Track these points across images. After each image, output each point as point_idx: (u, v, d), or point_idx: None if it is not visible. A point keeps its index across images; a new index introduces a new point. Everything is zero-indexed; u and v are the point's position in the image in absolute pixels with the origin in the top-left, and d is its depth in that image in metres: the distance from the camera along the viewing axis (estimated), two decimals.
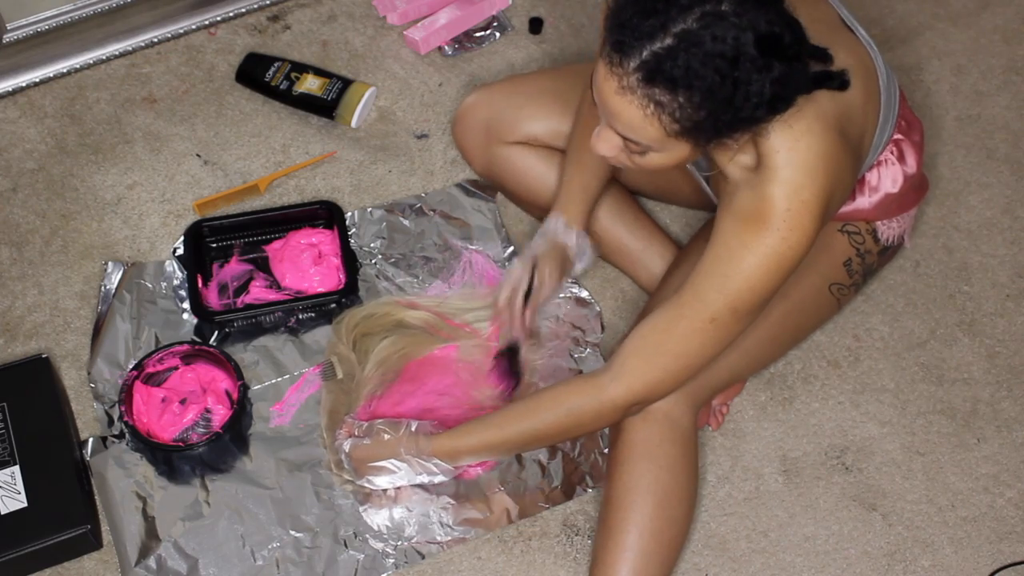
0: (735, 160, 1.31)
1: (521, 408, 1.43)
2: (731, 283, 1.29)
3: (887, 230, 1.54)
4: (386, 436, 1.46)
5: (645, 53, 1.14)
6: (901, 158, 1.48)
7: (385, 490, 1.52)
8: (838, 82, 1.22)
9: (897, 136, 1.47)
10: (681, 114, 1.16)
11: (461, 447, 1.45)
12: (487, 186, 1.83)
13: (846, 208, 1.50)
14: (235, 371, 1.58)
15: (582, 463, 1.57)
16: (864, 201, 1.49)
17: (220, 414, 1.58)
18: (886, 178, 1.48)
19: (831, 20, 1.38)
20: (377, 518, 1.51)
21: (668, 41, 1.13)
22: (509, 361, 1.59)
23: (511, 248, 1.77)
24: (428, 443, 1.45)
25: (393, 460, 1.46)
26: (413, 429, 1.46)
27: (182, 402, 1.59)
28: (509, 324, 1.59)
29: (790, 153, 1.25)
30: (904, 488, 1.58)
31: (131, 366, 1.60)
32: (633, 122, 1.19)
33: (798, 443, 1.62)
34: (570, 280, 1.68)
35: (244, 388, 1.58)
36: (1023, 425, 1.64)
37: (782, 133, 1.25)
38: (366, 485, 1.51)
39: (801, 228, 1.26)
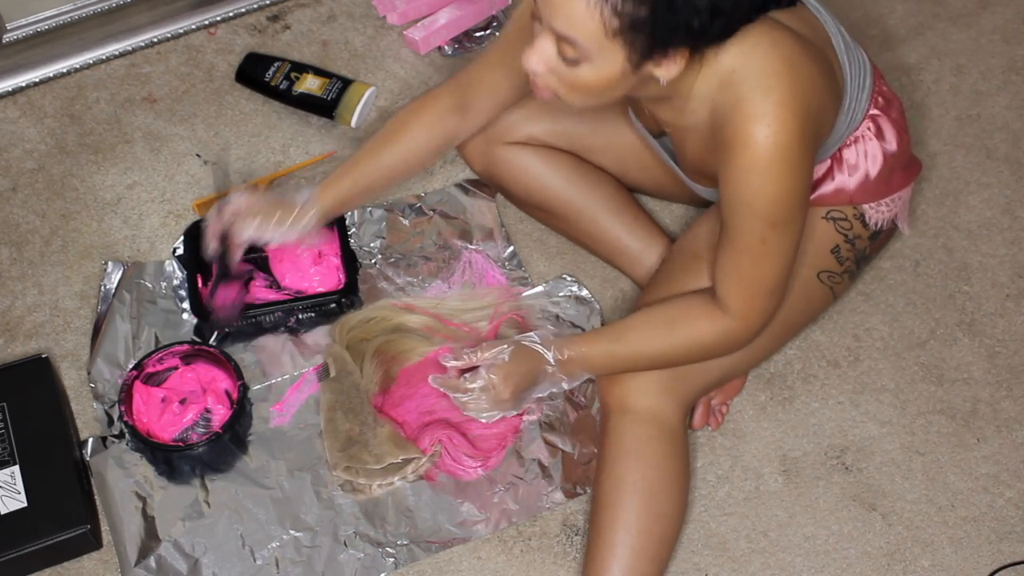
0: (688, 110, 1.34)
1: (650, 326, 1.44)
2: (756, 207, 1.31)
3: (876, 214, 1.54)
4: (534, 352, 1.47)
5: None
6: (879, 134, 1.49)
7: (380, 484, 1.53)
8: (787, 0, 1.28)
9: (874, 112, 1.48)
10: (623, 7, 1.18)
11: (594, 362, 1.46)
12: (487, 186, 1.83)
13: (827, 189, 1.49)
14: (235, 371, 1.58)
15: (582, 463, 1.57)
16: (845, 179, 1.49)
17: (220, 414, 1.58)
18: (864, 155, 1.49)
19: None
20: (376, 516, 1.52)
21: None
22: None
23: (511, 248, 1.77)
24: (574, 360, 1.46)
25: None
26: (552, 343, 1.48)
27: (182, 402, 1.59)
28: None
29: (746, 67, 1.27)
30: (904, 488, 1.58)
31: (131, 366, 1.60)
32: (575, 14, 1.19)
33: (798, 443, 1.62)
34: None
35: (244, 388, 1.58)
36: (1023, 425, 1.64)
37: (733, 52, 1.27)
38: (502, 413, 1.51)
39: (785, 126, 1.27)
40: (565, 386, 1.50)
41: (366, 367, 1.59)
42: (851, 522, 1.55)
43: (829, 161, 1.48)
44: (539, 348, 1.47)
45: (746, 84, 1.27)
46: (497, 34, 2.04)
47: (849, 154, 1.48)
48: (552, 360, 1.46)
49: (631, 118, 1.57)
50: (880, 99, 1.49)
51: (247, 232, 1.54)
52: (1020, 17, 2.10)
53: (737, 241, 1.35)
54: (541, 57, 1.27)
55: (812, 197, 1.49)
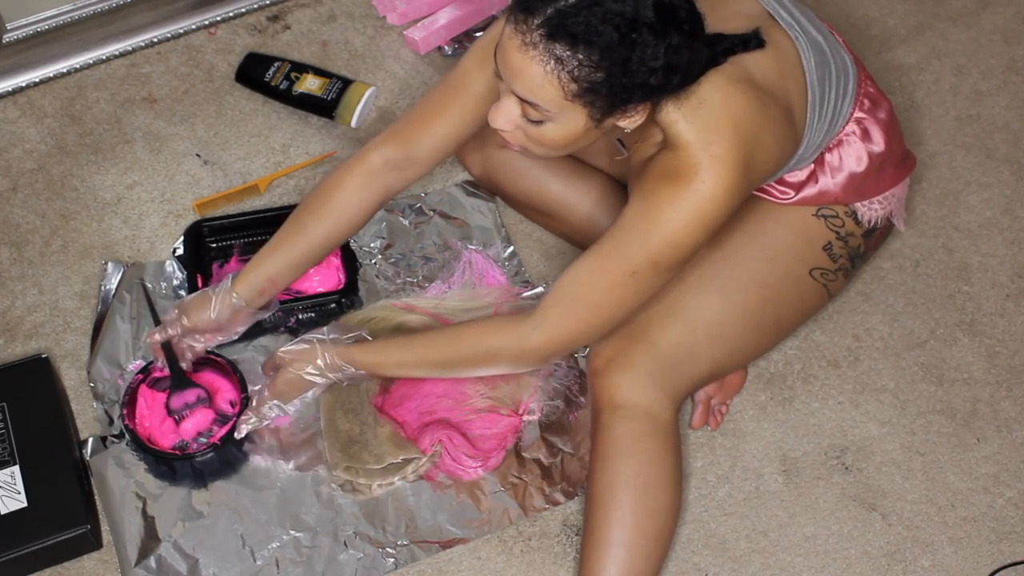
0: (641, 151, 1.36)
1: (443, 337, 1.47)
2: (652, 238, 1.32)
3: (868, 211, 1.54)
4: (306, 346, 1.50)
5: (549, 10, 1.20)
6: (865, 136, 1.49)
7: (380, 484, 1.53)
8: (756, 42, 1.32)
9: (859, 114, 1.49)
10: (579, 72, 1.21)
11: (383, 362, 1.49)
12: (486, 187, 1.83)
13: (811, 191, 1.50)
14: (240, 382, 1.57)
15: (582, 463, 1.57)
16: (828, 182, 1.49)
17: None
18: (848, 157, 1.49)
19: (754, 13, 1.41)
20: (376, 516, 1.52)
21: (572, 0, 1.19)
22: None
23: (511, 248, 1.77)
24: (349, 355, 1.49)
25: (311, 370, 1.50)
26: (328, 339, 1.50)
27: None
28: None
29: (690, 122, 1.30)
30: (904, 488, 1.58)
31: (137, 370, 1.59)
32: (533, 80, 1.23)
33: (798, 443, 1.62)
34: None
35: (247, 401, 1.57)
36: (1023, 425, 1.64)
37: (680, 107, 1.30)
38: (275, 411, 1.53)
39: (717, 182, 1.30)
40: (333, 377, 1.51)
41: None
42: (851, 522, 1.55)
43: (812, 165, 1.48)
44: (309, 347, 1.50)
45: (686, 136, 1.30)
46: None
47: (832, 157, 1.48)
48: (321, 360, 1.49)
49: None
50: (866, 101, 1.49)
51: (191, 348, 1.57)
52: (1020, 17, 2.10)
53: (606, 260, 1.35)
54: (507, 117, 1.30)
55: (797, 198, 1.50)
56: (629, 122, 1.29)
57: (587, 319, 1.39)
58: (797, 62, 1.40)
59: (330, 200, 1.52)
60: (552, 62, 1.21)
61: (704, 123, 1.30)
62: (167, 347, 1.55)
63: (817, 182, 1.49)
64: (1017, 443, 1.62)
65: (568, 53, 1.20)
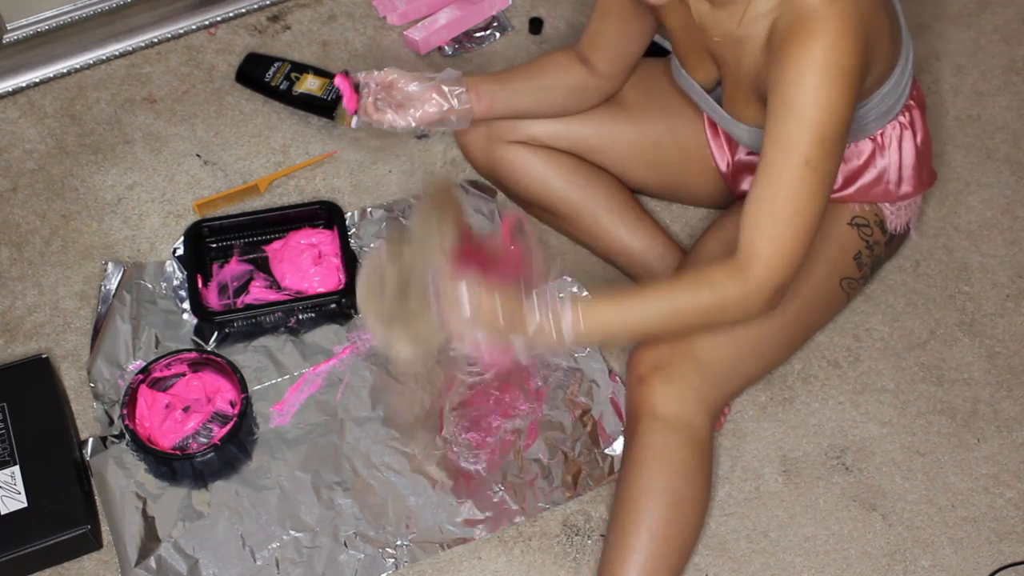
0: (748, 17, 1.33)
1: (661, 284, 1.38)
2: (806, 113, 1.27)
3: (895, 219, 1.55)
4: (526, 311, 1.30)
5: None
6: (912, 125, 1.50)
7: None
8: None
9: (910, 102, 1.50)
10: None
11: (596, 327, 1.31)
12: (487, 186, 1.83)
13: (869, 177, 1.50)
14: (240, 383, 1.58)
15: (582, 463, 1.57)
16: (885, 164, 1.50)
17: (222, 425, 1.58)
18: (902, 141, 1.50)
19: None
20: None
21: None
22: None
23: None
24: (568, 322, 1.30)
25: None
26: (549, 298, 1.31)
27: (185, 410, 1.58)
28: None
29: None
30: (904, 488, 1.58)
31: (137, 370, 1.59)
32: None
33: (798, 443, 1.62)
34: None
35: (247, 401, 1.57)
36: (1023, 425, 1.64)
37: None
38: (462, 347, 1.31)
39: (846, 34, 1.26)
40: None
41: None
42: (851, 522, 1.55)
43: (871, 145, 1.49)
44: (546, 315, 1.29)
45: None
46: (498, 35, 2.04)
47: (888, 138, 1.49)
48: (565, 333, 1.29)
49: (676, 77, 1.57)
50: (915, 92, 1.51)
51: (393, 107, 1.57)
52: (1020, 17, 2.10)
53: (777, 168, 1.28)
54: None
55: (852, 190, 1.50)
56: None
57: (794, 233, 1.30)
58: (894, 11, 1.39)
59: (539, 72, 1.61)
60: None
61: None
62: (356, 86, 1.55)
63: (876, 166, 1.49)
64: (1017, 443, 1.62)
65: None
